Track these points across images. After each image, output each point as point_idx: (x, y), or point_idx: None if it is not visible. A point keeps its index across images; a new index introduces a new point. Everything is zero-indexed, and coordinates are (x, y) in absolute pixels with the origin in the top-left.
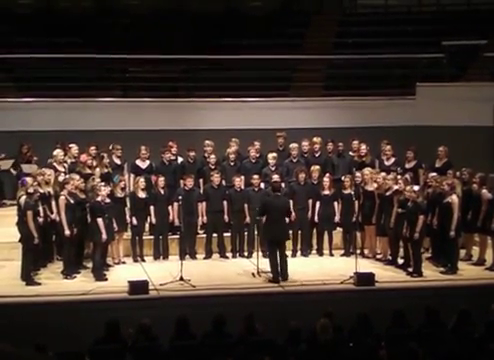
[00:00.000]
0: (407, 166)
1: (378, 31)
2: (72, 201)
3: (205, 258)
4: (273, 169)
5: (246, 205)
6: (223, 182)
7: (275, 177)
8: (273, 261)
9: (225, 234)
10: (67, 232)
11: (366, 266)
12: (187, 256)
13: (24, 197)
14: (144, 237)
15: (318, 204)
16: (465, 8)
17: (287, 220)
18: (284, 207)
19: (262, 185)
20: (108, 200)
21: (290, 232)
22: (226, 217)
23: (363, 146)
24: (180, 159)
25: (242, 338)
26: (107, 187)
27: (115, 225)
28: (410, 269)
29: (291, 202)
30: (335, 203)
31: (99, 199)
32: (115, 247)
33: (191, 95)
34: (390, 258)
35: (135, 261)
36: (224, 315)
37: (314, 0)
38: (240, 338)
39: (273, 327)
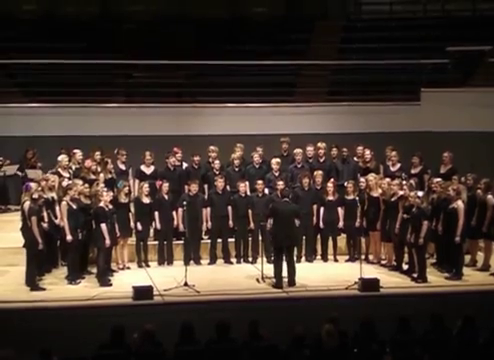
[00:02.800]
0: (413, 172)
1: (383, 37)
2: (75, 207)
3: (209, 264)
4: (277, 174)
5: (250, 211)
6: (227, 187)
7: (280, 183)
8: (278, 267)
9: (229, 239)
10: (69, 237)
11: (371, 272)
12: (191, 261)
13: (28, 202)
14: (149, 242)
15: (322, 210)
16: (470, 14)
17: (297, 223)
18: (293, 212)
19: (266, 191)
20: (111, 206)
21: None
22: (230, 222)
23: (367, 152)
24: (185, 164)
25: (246, 344)
26: (109, 192)
27: (117, 231)
28: (415, 275)
29: None
30: (339, 209)
31: (102, 205)
32: (119, 252)
33: (195, 101)
34: (395, 264)
35: (140, 266)
36: (228, 320)
37: (319, 6)
38: (244, 344)
39: (277, 332)
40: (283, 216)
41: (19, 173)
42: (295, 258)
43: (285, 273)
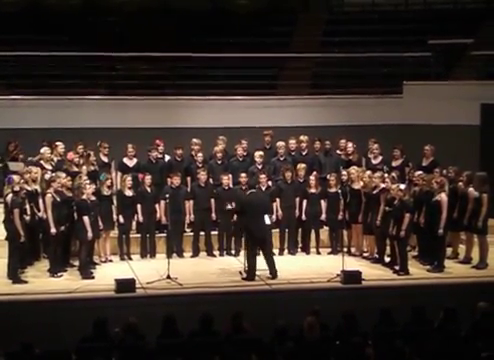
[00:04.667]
0: (394, 164)
1: (365, 30)
2: (58, 199)
3: (192, 256)
4: (260, 167)
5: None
6: (210, 180)
7: (262, 177)
8: (250, 259)
9: (212, 232)
10: (53, 230)
11: (353, 264)
12: (174, 254)
13: (11, 195)
14: (131, 235)
15: (305, 202)
16: (452, 7)
17: (267, 219)
18: (262, 203)
19: None
20: (93, 198)
21: (277, 230)
22: (213, 215)
23: (350, 144)
24: (167, 157)
25: (229, 336)
26: (92, 185)
27: (100, 223)
28: (397, 267)
29: (277, 200)
30: (322, 201)
31: (84, 197)
32: (102, 245)
33: (178, 93)
34: (377, 256)
35: (122, 259)
36: (211, 313)
37: None
38: (227, 336)
39: (260, 325)
40: (252, 208)
41: None
42: (278, 250)
43: (261, 266)
